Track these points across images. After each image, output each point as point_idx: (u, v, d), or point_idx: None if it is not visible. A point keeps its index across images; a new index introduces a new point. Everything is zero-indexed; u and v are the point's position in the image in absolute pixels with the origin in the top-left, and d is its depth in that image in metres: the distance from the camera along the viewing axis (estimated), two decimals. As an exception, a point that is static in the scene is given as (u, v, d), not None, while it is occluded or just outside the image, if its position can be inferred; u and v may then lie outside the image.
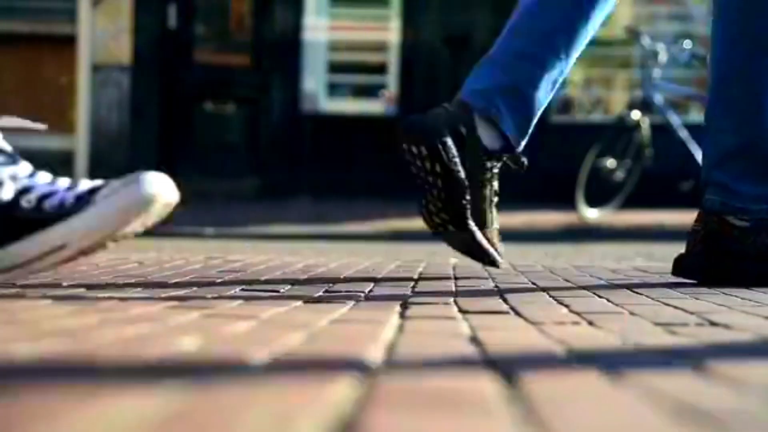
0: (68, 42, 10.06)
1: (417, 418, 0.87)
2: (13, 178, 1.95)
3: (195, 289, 2.37)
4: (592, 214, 7.73)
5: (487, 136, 2.64)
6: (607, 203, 7.88)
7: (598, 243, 6.57)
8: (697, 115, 9.74)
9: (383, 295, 2.26)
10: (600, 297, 2.30)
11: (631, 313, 1.96)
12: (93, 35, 10.01)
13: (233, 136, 10.28)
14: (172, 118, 10.16)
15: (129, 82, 10.04)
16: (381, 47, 10.18)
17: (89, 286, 2.39)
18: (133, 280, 2.58)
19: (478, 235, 2.65)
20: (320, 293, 2.31)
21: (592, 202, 7.82)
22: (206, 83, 10.23)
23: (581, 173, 7.72)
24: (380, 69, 10.24)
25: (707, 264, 2.68)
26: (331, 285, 2.52)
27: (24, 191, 1.93)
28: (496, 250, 2.73)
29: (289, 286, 2.47)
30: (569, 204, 7.93)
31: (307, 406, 0.91)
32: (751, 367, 1.30)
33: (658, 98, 8.00)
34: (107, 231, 1.85)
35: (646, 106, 8.02)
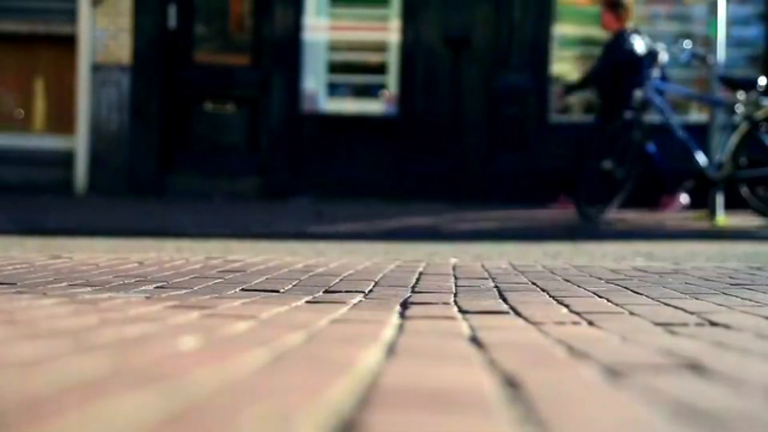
0: (68, 42, 10.05)
1: (417, 418, 0.87)
2: None
3: (195, 289, 2.37)
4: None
5: None
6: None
7: (598, 243, 6.58)
8: (697, 115, 9.73)
9: (383, 295, 2.26)
10: (600, 297, 2.30)
11: (631, 313, 1.96)
12: (93, 35, 10.00)
13: (233, 136, 10.27)
14: (172, 118, 10.15)
15: (129, 82, 10.03)
16: (381, 47, 10.19)
17: (89, 286, 2.39)
18: (133, 280, 2.58)
19: None
20: (320, 293, 2.31)
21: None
22: (206, 83, 10.22)
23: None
24: (380, 69, 10.25)
25: None
26: (331, 285, 2.52)
27: None
28: None
29: (289, 286, 2.47)
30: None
31: (307, 406, 0.91)
32: (751, 367, 1.30)
33: (658, 98, 8.00)
34: None
35: (646, 106, 8.01)
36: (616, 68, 8.45)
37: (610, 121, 8.16)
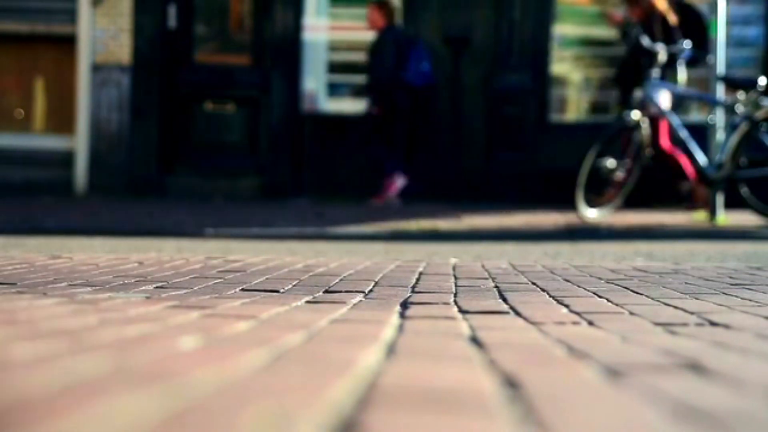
0: (68, 42, 10.05)
1: (417, 418, 0.87)
2: None
3: (195, 289, 2.37)
4: (592, 214, 7.73)
5: None
6: (607, 203, 7.88)
7: (598, 243, 6.58)
8: (697, 115, 9.73)
9: (383, 295, 2.26)
10: (600, 297, 2.30)
11: (631, 313, 1.96)
12: (93, 35, 10.00)
13: (233, 136, 10.27)
14: (172, 118, 10.15)
15: (129, 82, 10.03)
16: (381, 47, 10.19)
17: (89, 286, 2.39)
18: (133, 280, 2.58)
19: None
20: (320, 293, 2.30)
21: (592, 202, 7.82)
22: (206, 83, 10.22)
23: (581, 173, 7.71)
24: (380, 69, 10.24)
25: None
26: (331, 285, 2.52)
27: None
28: None
29: (289, 286, 2.47)
30: (569, 204, 7.93)
31: (307, 406, 0.91)
32: (751, 367, 1.30)
33: (658, 98, 8.00)
34: None
35: (646, 106, 8.02)
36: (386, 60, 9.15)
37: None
